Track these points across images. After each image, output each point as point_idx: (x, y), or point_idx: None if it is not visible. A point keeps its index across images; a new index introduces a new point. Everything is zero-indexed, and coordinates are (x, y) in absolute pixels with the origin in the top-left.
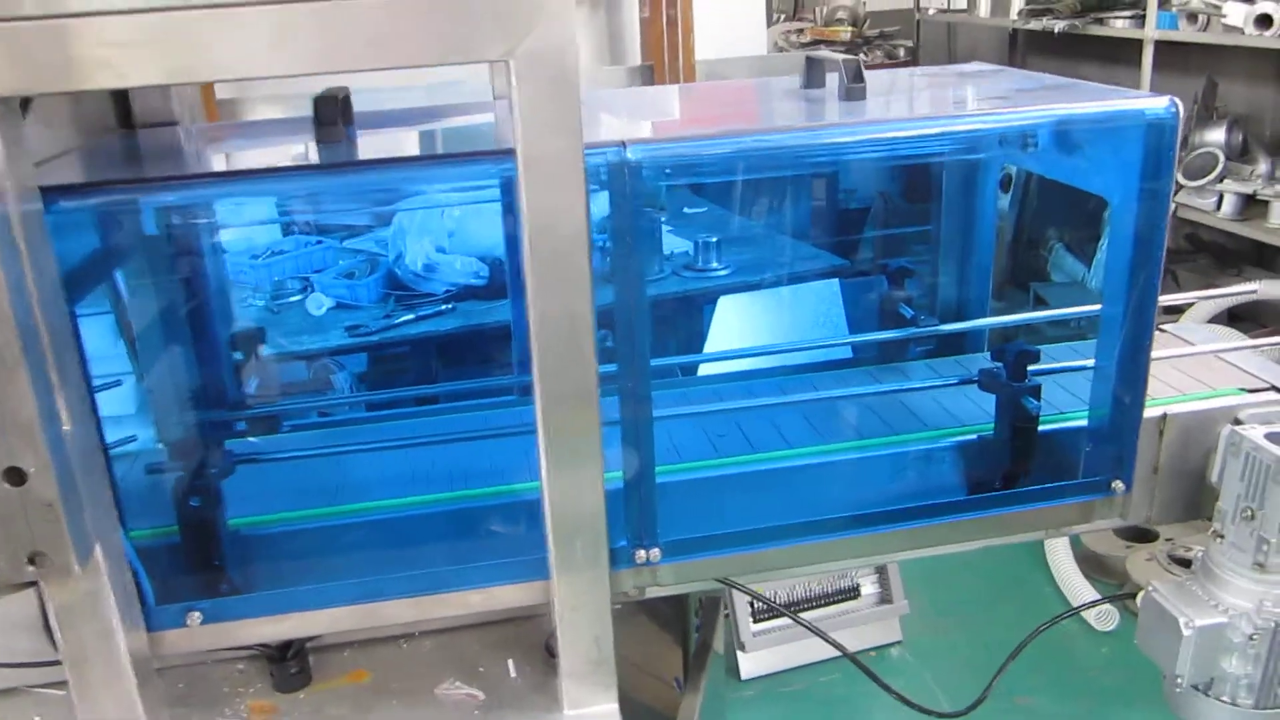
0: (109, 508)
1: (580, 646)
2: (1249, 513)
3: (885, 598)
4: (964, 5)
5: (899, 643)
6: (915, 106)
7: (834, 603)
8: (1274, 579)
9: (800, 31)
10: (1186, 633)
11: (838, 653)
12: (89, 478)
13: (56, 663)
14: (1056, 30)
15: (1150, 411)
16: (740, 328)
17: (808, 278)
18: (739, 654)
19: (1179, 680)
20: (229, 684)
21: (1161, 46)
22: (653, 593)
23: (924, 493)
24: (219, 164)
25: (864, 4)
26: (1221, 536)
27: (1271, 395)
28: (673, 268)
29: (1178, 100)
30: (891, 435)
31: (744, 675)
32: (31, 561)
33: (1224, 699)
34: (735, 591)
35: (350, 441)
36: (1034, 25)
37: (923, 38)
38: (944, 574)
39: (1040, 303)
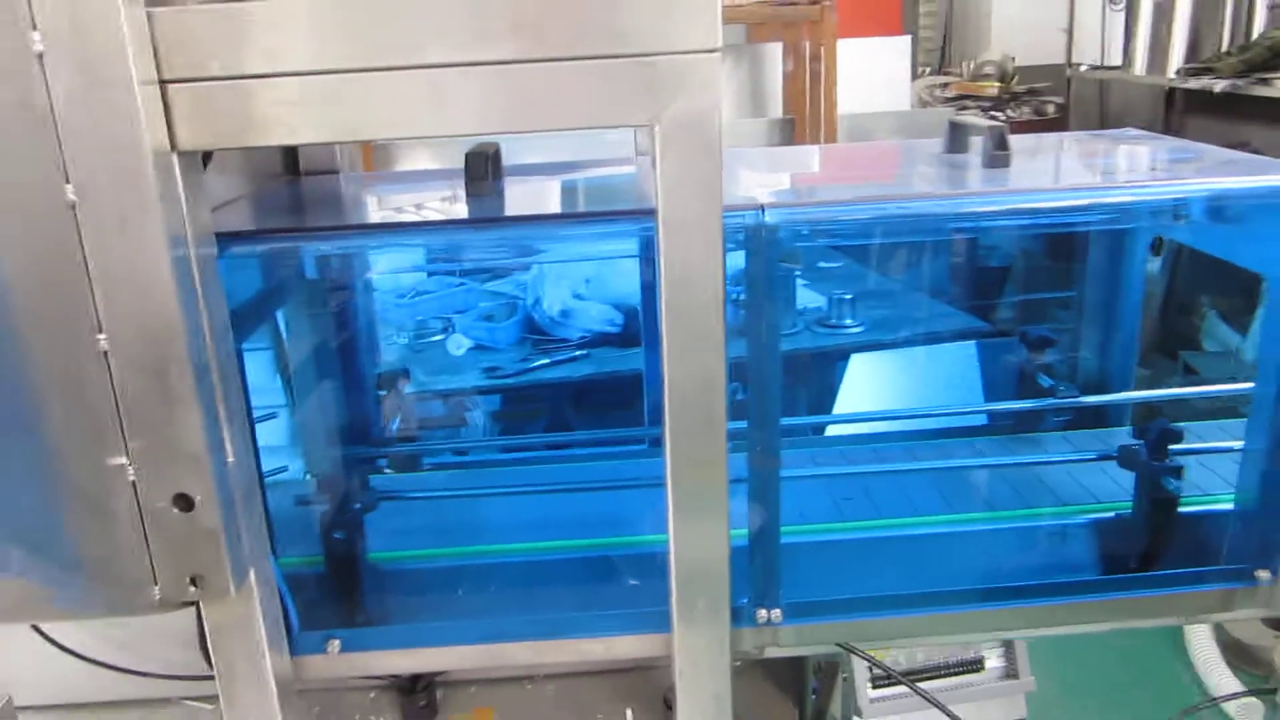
0: (263, 536)
1: (699, 704)
2: None
3: (1010, 672)
4: (1118, 61)
5: None
6: (1061, 176)
7: (956, 674)
8: None
9: (945, 86)
10: None
11: None
12: (248, 507)
13: (206, 677)
14: (1216, 90)
15: None
16: (872, 385)
17: (943, 338)
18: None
19: None
20: (360, 712)
21: None
22: (772, 653)
23: (1054, 569)
24: (376, 213)
25: (1013, 59)
26: None
27: None
28: (806, 323)
29: None
30: (1023, 508)
31: None
32: (193, 583)
33: None
34: (854, 656)
35: (485, 484)
36: (1193, 84)
37: (1074, 95)
38: (1075, 652)
39: (1190, 372)
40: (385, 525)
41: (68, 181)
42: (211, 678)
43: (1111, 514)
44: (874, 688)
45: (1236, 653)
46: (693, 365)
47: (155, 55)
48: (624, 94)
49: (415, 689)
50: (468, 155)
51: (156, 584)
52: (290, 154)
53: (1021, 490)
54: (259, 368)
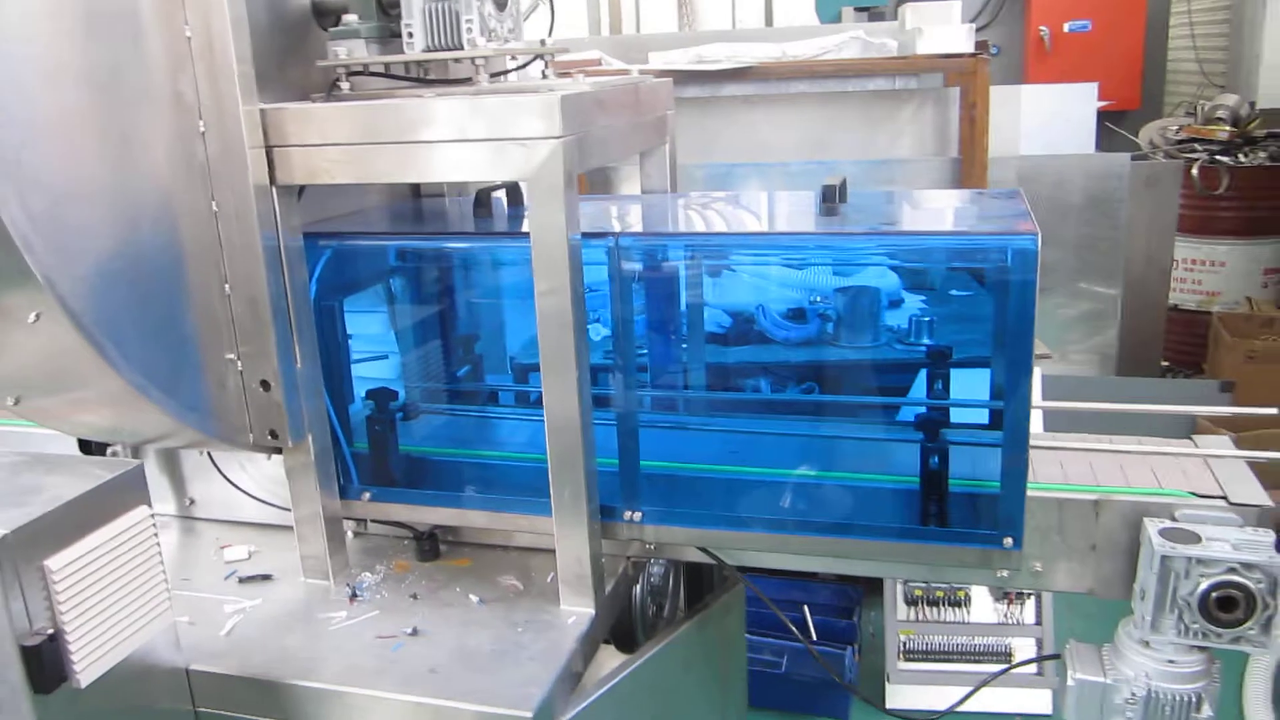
0: (321, 416)
1: (568, 562)
2: (1142, 594)
3: (1040, 670)
4: None
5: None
6: (850, 224)
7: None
8: (1156, 655)
9: (1178, 129)
10: (1070, 683)
11: (981, 707)
12: (311, 396)
13: None
14: None
15: (1087, 496)
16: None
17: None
18: (886, 683)
19: None
20: (392, 550)
21: None
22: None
23: (860, 519)
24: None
25: (1250, 103)
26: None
27: (1218, 503)
28: (888, 339)
29: (1038, 234)
30: (838, 471)
31: (888, 705)
32: (271, 435)
33: None
34: (888, 625)
35: (482, 412)
36: None
37: None
38: None
39: None
40: (419, 431)
41: (213, 199)
42: None
43: (905, 485)
44: (904, 660)
45: None
46: (555, 343)
47: (265, 133)
48: (510, 161)
49: (423, 539)
50: (478, 193)
51: (252, 432)
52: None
53: (848, 458)
54: (378, 323)
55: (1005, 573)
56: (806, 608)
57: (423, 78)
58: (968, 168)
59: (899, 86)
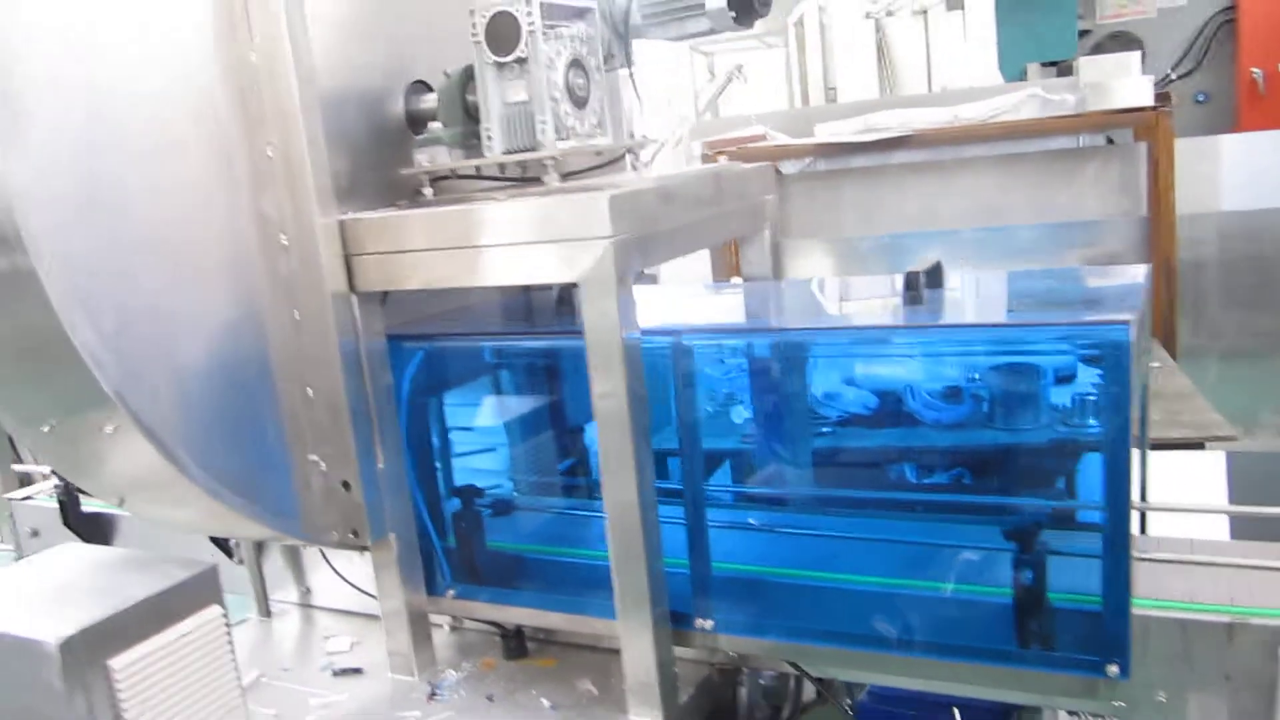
0: (405, 514)
1: (635, 669)
2: None
3: None
4: None
5: None
6: (937, 314)
7: None
8: None
9: None
10: None
11: None
12: (393, 495)
13: None
14: None
15: (1217, 617)
16: None
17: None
18: None
19: None
20: (483, 646)
21: None
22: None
23: (948, 635)
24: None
25: None
26: None
27: None
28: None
29: (1130, 324)
30: (927, 581)
31: None
32: (353, 534)
33: None
34: None
35: (564, 509)
36: None
37: None
38: None
39: None
40: (503, 527)
41: (295, 309)
42: None
43: (994, 598)
44: None
45: None
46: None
47: (344, 242)
48: (565, 262)
49: (510, 636)
50: (560, 290)
51: (335, 531)
52: None
53: (934, 566)
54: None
55: (1121, 703)
56: (957, 711)
57: (517, 177)
58: (1156, 226)
59: (1083, 144)
